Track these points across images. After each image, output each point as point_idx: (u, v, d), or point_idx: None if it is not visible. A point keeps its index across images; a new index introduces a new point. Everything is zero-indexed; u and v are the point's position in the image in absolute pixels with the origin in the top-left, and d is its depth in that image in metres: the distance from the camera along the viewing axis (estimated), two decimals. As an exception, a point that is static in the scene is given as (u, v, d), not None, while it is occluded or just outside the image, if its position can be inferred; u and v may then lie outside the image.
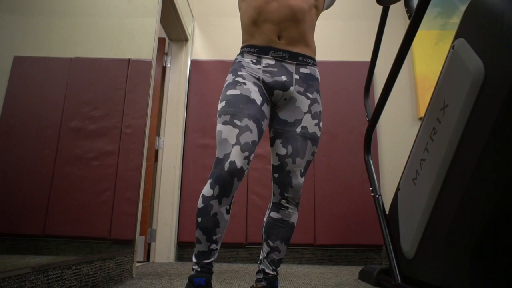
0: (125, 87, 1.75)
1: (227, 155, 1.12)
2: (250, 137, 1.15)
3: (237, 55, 1.34)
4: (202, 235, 1.14)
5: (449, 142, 1.28)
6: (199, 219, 1.14)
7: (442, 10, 3.28)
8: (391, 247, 1.66)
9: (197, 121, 3.01)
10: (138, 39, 1.94)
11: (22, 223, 1.08)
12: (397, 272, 1.56)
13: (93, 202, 1.47)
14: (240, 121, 1.15)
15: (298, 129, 1.26)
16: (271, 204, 1.33)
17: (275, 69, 1.26)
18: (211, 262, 1.16)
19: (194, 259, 1.17)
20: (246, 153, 1.14)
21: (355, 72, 3.12)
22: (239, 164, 1.12)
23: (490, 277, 1.21)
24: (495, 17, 1.12)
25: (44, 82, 1.16)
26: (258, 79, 1.25)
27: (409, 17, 1.73)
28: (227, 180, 1.11)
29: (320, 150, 2.94)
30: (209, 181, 1.14)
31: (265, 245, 1.29)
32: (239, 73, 1.26)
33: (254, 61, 1.28)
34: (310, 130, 1.27)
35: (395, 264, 1.59)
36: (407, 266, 1.54)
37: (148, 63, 2.07)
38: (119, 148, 1.69)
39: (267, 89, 1.26)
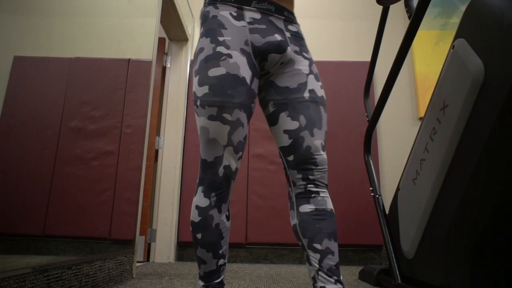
0: (125, 87, 1.75)
1: (219, 159, 0.93)
2: (242, 133, 0.95)
3: (207, 6, 1.02)
4: (206, 253, 0.95)
5: (449, 142, 1.28)
6: (199, 235, 0.95)
7: (442, 10, 3.28)
8: (391, 247, 1.66)
9: (197, 121, 3.00)
10: (138, 39, 1.94)
11: (22, 223, 1.08)
12: (397, 272, 1.56)
13: (93, 202, 1.47)
14: (231, 115, 0.92)
15: (306, 94, 1.00)
16: (295, 200, 1.00)
17: (263, 26, 0.98)
18: (222, 280, 0.99)
19: (200, 282, 0.98)
20: (240, 153, 0.96)
21: (355, 72, 3.12)
22: (234, 166, 0.95)
23: (490, 277, 1.21)
24: (495, 17, 1.12)
25: (44, 82, 1.16)
26: (246, 43, 0.96)
27: (409, 17, 1.73)
28: (225, 185, 0.95)
29: (320, 150, 2.94)
30: (200, 188, 0.95)
31: (311, 253, 0.94)
32: (221, 39, 0.95)
33: (235, 15, 0.98)
34: (319, 94, 1.02)
35: (395, 264, 1.59)
36: (407, 266, 1.54)
37: (148, 63, 2.07)
38: (119, 148, 1.69)
39: (258, 54, 0.98)
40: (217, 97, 0.92)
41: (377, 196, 1.89)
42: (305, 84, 1.01)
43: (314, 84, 1.02)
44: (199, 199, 0.95)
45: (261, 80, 1.04)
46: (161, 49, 3.06)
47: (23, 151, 1.06)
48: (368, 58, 3.24)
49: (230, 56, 0.94)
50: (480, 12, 1.20)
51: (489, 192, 1.12)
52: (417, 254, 1.46)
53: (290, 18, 1.05)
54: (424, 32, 3.21)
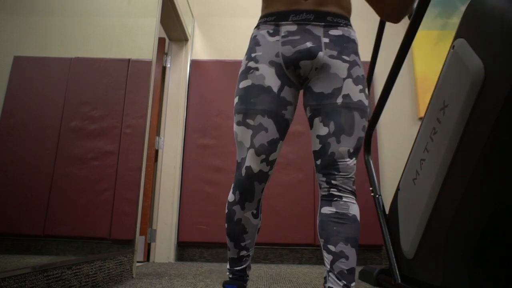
0: (125, 87, 1.75)
1: (244, 160, 1.04)
2: (265, 137, 1.02)
3: (254, 30, 1.14)
4: (230, 242, 1.11)
5: (449, 142, 1.28)
6: (226, 225, 1.11)
7: (442, 10, 3.28)
8: (391, 247, 1.66)
9: (197, 121, 3.01)
10: (138, 39, 1.93)
11: (22, 223, 1.08)
12: (397, 272, 1.56)
13: (93, 202, 1.47)
14: (253, 120, 1.02)
15: (339, 100, 1.02)
16: (320, 201, 1.08)
17: (297, 37, 1.04)
18: (243, 269, 1.12)
19: (227, 265, 1.15)
20: (263, 156, 1.02)
21: (355, 72, 3.12)
22: (256, 168, 1.03)
23: (490, 277, 1.21)
24: (495, 17, 1.12)
25: (44, 82, 1.16)
26: (276, 55, 1.05)
27: (409, 17, 1.73)
28: (246, 185, 1.04)
29: (320, 150, 2.94)
30: (232, 185, 1.09)
31: (325, 253, 0.99)
32: (253, 55, 1.07)
33: (271, 31, 1.07)
34: (355, 98, 1.02)
35: (395, 264, 1.59)
36: (407, 266, 1.54)
37: (148, 63, 2.07)
38: (119, 148, 1.69)
39: (290, 64, 1.04)
40: (243, 105, 1.04)
41: (377, 196, 1.89)
42: (340, 89, 1.03)
43: (350, 89, 1.03)
44: (230, 194, 1.10)
45: (302, 86, 1.10)
46: (161, 49, 3.06)
47: (23, 151, 1.06)
48: (368, 58, 3.24)
49: (257, 69, 1.05)
50: (480, 12, 1.20)
51: (489, 192, 1.12)
52: (417, 254, 1.46)
53: (334, 23, 1.06)
54: (424, 32, 3.21)
